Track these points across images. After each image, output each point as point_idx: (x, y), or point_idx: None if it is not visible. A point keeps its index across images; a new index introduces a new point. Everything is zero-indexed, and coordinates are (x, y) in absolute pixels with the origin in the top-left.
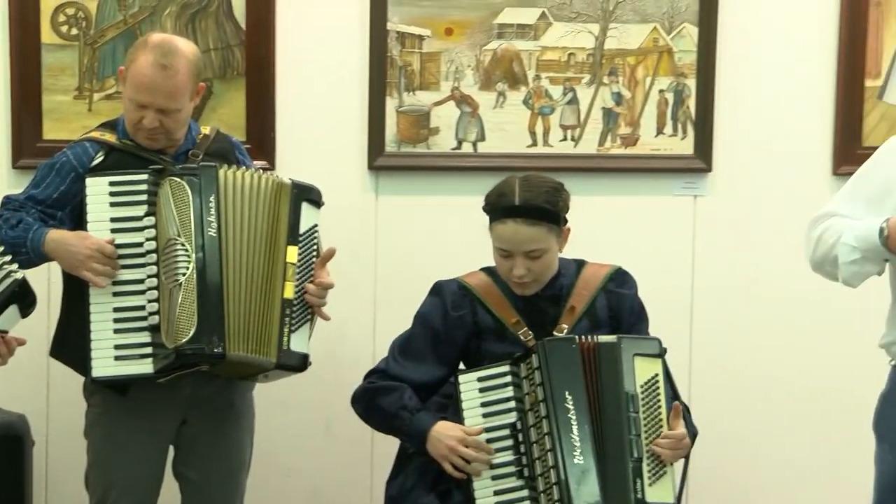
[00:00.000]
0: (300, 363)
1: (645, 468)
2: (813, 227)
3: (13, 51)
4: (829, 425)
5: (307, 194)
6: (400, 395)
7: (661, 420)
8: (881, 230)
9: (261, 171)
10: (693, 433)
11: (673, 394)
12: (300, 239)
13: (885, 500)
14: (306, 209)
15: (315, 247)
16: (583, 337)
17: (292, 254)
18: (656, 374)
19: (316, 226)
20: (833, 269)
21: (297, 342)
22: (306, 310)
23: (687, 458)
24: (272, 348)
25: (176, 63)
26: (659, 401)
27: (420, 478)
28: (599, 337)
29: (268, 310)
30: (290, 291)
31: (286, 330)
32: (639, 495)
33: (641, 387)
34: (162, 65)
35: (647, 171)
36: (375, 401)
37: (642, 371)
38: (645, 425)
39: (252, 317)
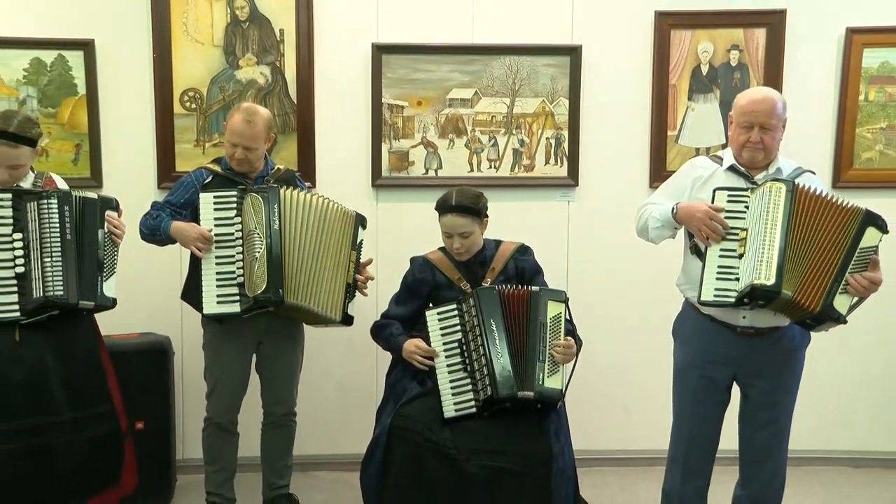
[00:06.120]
0: (350, 321)
1: (546, 367)
2: (638, 211)
3: (157, 118)
4: (661, 340)
5: (362, 222)
6: (390, 328)
7: (559, 339)
8: (672, 209)
9: (331, 200)
10: (579, 344)
11: (570, 326)
12: (357, 246)
13: (676, 380)
14: (360, 231)
15: (361, 251)
16: (501, 286)
17: (353, 256)
18: (560, 312)
19: (362, 241)
20: (645, 233)
21: (351, 308)
22: (355, 289)
23: (574, 362)
24: (338, 311)
25: (256, 119)
26: (559, 327)
27: (405, 372)
28: (531, 287)
29: (339, 286)
30: (350, 277)
31: (347, 301)
32: (540, 383)
33: (550, 318)
34: (248, 121)
35: (540, 187)
36: (379, 331)
37: (552, 309)
38: (550, 341)
39: (322, 285)
